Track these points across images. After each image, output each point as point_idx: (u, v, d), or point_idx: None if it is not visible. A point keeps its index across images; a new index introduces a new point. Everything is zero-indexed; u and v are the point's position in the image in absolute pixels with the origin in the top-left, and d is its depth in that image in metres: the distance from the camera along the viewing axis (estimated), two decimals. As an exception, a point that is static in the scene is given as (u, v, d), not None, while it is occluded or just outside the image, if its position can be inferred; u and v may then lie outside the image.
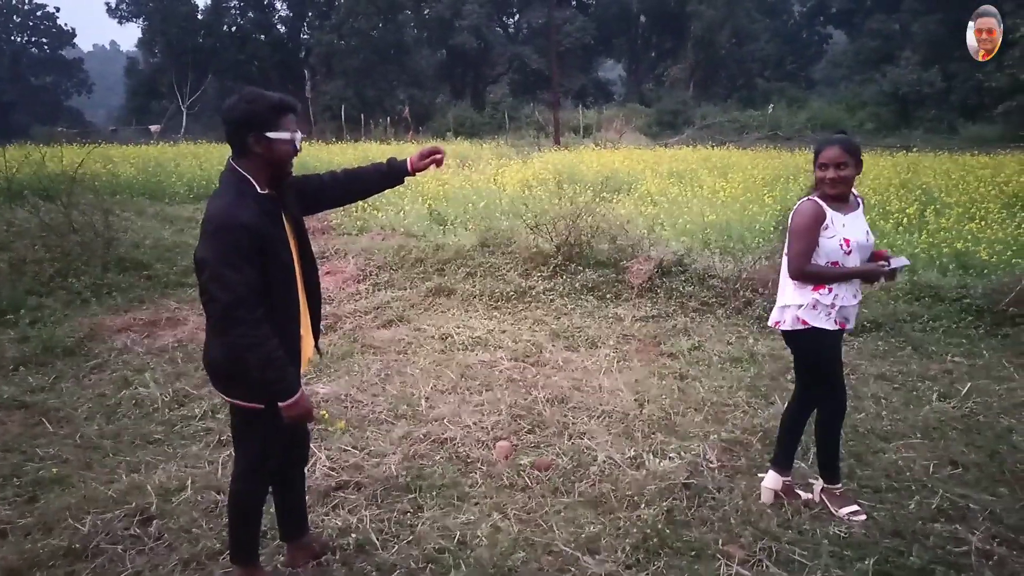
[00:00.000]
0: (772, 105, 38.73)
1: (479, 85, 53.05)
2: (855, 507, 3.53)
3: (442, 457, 4.15)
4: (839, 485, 3.62)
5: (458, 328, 6.41)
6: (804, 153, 20.04)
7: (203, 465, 4.12)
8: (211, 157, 16.37)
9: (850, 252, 3.35)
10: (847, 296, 3.40)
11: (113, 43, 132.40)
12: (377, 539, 3.37)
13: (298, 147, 2.59)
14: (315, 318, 2.90)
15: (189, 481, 3.88)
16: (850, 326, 3.52)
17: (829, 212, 3.36)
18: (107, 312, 6.95)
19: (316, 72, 48.45)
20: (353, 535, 3.39)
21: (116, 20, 50.06)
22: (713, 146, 24.63)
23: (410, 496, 3.75)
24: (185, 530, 3.46)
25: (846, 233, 3.35)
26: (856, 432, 4.47)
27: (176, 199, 12.62)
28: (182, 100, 46.43)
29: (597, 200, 8.74)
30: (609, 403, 4.89)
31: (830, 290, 3.36)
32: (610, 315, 6.80)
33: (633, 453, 4.16)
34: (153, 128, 38.73)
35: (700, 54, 48.21)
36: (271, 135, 2.50)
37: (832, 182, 3.32)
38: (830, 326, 3.41)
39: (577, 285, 7.34)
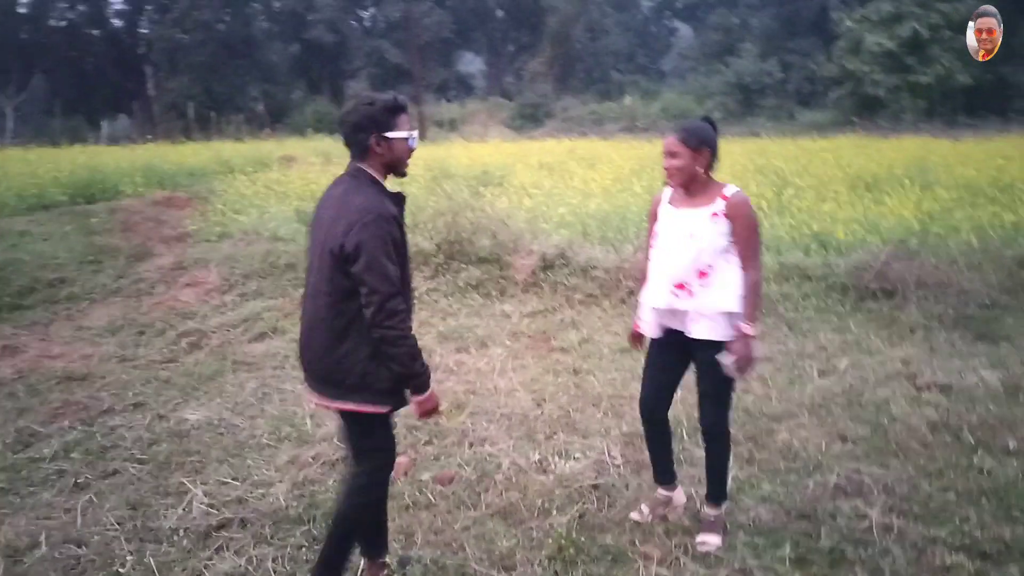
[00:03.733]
0: (628, 97, 39.98)
1: (337, 80, 51.54)
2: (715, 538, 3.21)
3: (335, 480, 3.83)
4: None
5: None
6: (659, 142, 20.70)
7: (58, 514, 3.61)
8: (44, 163, 14.87)
9: (653, 247, 3.25)
10: (648, 299, 3.27)
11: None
12: (271, 582, 3.04)
13: (414, 145, 2.69)
14: None
15: (43, 536, 3.38)
16: (652, 333, 3.30)
17: (664, 202, 3.25)
18: (-72, 344, 6.09)
19: (159, 68, 45.44)
20: (243, 580, 3.06)
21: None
22: (576, 138, 25.05)
23: (303, 528, 3.43)
24: (41, 595, 3.00)
25: (660, 226, 3.21)
26: (748, 414, 4.54)
27: (4, 211, 11.33)
28: (6, 102, 42.28)
29: (474, 195, 8.54)
30: (507, 405, 4.73)
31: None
32: (497, 312, 6.66)
33: (538, 457, 4.02)
34: (-27, 133, 34.99)
35: (557, 48, 49.05)
36: (390, 135, 2.59)
37: (666, 172, 3.12)
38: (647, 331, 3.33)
39: (461, 283, 7.15)
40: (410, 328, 2.58)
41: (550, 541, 3.19)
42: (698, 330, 3.08)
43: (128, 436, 4.46)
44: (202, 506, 3.62)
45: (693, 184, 3.10)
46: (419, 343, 2.64)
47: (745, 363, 3.03)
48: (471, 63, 69.37)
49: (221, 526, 3.46)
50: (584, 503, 3.53)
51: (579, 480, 3.74)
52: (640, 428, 4.24)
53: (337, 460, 4.03)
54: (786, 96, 36.99)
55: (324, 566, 2.79)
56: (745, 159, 13.95)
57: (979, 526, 3.24)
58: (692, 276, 3.05)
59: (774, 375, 5.19)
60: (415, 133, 2.70)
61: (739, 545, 3.16)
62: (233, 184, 12.53)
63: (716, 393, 3.21)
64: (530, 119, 40.18)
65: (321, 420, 4.58)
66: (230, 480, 3.88)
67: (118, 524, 3.49)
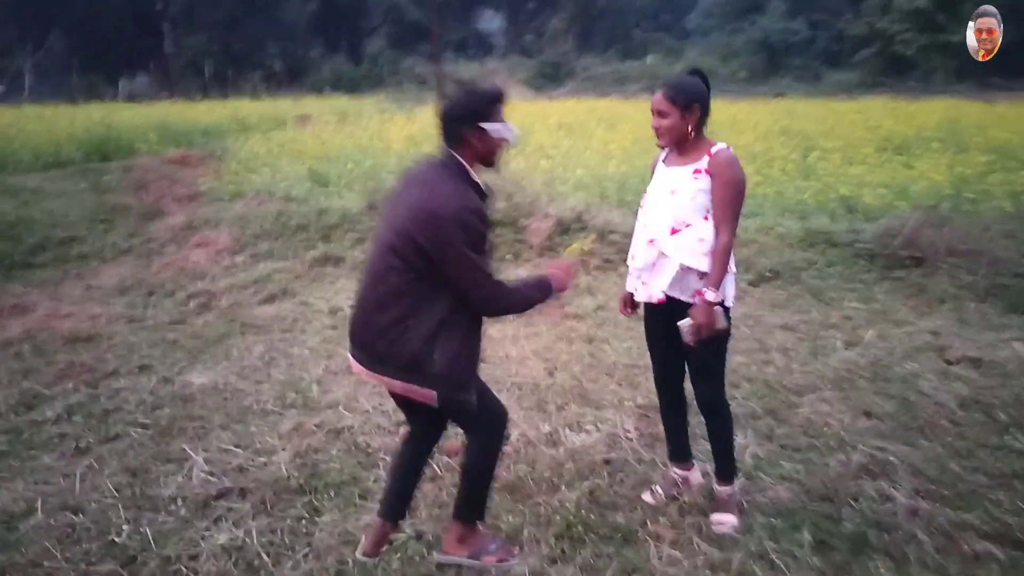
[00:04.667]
0: (650, 56, 39.17)
1: (355, 37, 50.97)
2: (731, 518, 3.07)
3: (339, 450, 3.73)
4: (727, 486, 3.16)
5: (349, 300, 5.91)
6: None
7: (56, 480, 3.53)
8: (60, 120, 14.80)
9: (643, 206, 3.07)
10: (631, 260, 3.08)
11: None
12: (268, 555, 2.94)
13: (510, 137, 2.60)
14: None
15: (39, 501, 3.31)
16: (639, 297, 3.08)
17: (659, 161, 3.08)
18: (-64, 302, 6.04)
19: (177, 25, 45.06)
20: (240, 552, 2.96)
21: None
22: (597, 98, 24.58)
23: (304, 499, 3.33)
24: (35, 564, 2.92)
25: (650, 185, 3.06)
26: (769, 387, 4.38)
27: (20, 168, 11.28)
28: (24, 59, 42.17)
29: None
30: (519, 373, 4.59)
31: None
32: (511, 277, 6.47)
33: (548, 428, 3.89)
34: (-7, 89, 35.00)
35: (578, 5, 48.07)
36: (486, 126, 2.52)
37: (655, 132, 2.90)
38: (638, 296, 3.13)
39: (473, 246, 6.96)
40: (509, 290, 2.60)
41: (558, 518, 3.07)
42: (665, 285, 2.91)
43: (132, 400, 4.38)
44: (202, 474, 3.53)
45: (684, 143, 2.91)
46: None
47: (701, 330, 2.82)
48: (491, 21, 68.24)
49: (220, 495, 3.37)
50: (595, 479, 3.40)
51: (590, 454, 3.60)
52: (654, 400, 4.13)
53: (343, 429, 3.93)
54: (813, 55, 36.06)
55: (476, 503, 2.86)
56: (770, 120, 13.58)
57: (1012, 511, 3.07)
58: (664, 232, 2.89)
59: (796, 346, 5.01)
60: (512, 125, 2.60)
61: (756, 527, 3.01)
62: (247, 143, 12.39)
63: (704, 366, 3.03)
64: (550, 78, 39.51)
65: (328, 386, 4.48)
66: (232, 447, 3.78)
67: (116, 491, 3.42)
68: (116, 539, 3.06)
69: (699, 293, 2.83)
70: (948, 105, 15.87)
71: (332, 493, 3.36)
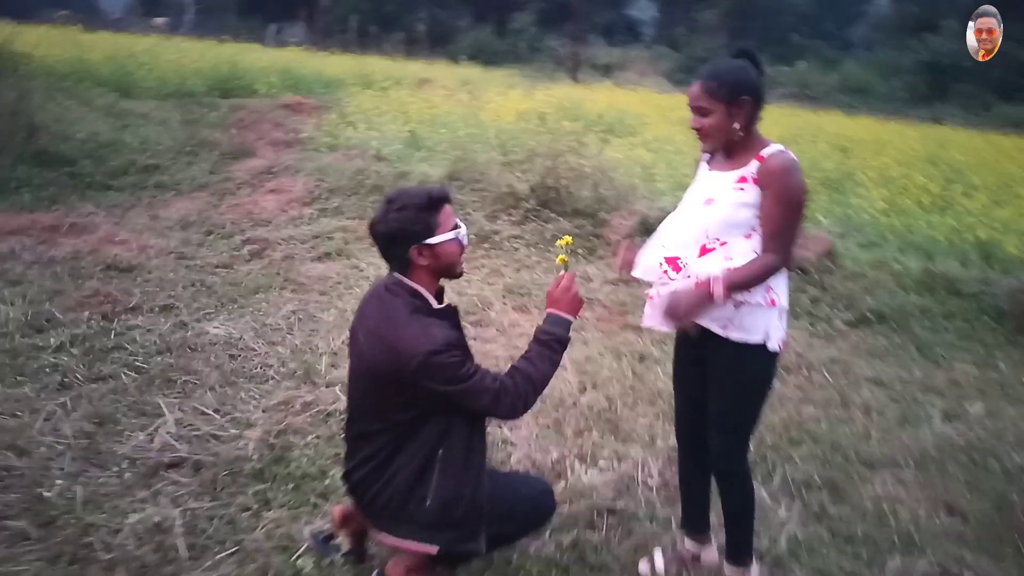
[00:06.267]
0: (800, 62, 36.99)
1: (504, 11, 50.82)
2: None
3: (320, 436, 3.33)
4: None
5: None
6: (829, 115, 18.85)
7: (23, 413, 3.30)
8: (194, 54, 15.19)
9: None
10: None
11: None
12: (191, 547, 2.58)
13: (465, 242, 2.26)
14: None
15: (-7, 435, 3.08)
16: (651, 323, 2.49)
17: (702, 164, 2.48)
18: (9, 210, 6.09)
19: (336, -22, 46.29)
20: (163, 536, 2.61)
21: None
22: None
23: (259, 486, 2.95)
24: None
25: (688, 191, 2.45)
26: (836, 451, 3.66)
27: (142, 93, 11.57)
28: (190, -4, 44.56)
29: (586, 139, 7.72)
30: (550, 382, 4.05)
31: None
32: (578, 274, 5.93)
33: (557, 456, 3.35)
34: (157, 21, 37.07)
35: (735, 1, 45.99)
36: (433, 241, 2.14)
37: (696, 133, 2.31)
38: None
39: (548, 235, 6.44)
40: (525, 386, 2.19)
41: (522, 574, 2.54)
42: (701, 319, 2.31)
43: (139, 340, 4.15)
44: (167, 436, 3.22)
45: (731, 145, 2.30)
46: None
47: (673, 313, 2.22)
48: (644, 9, 66.62)
49: (173, 465, 3.04)
50: (588, 530, 2.84)
51: (594, 497, 3.04)
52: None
53: (333, 412, 3.53)
54: (985, 84, 32.88)
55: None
56: (918, 145, 12.26)
57: None
58: (691, 250, 2.28)
59: (884, 407, 4.22)
60: (463, 228, 2.24)
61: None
62: (358, 97, 12.26)
63: (725, 415, 2.43)
64: (692, 73, 37.90)
65: (338, 361, 4.09)
66: (210, 411, 3.45)
67: (74, 437, 3.15)
68: (45, 494, 2.78)
69: (705, 281, 2.21)
70: None
71: (291, 486, 2.97)
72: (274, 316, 4.68)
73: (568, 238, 2.45)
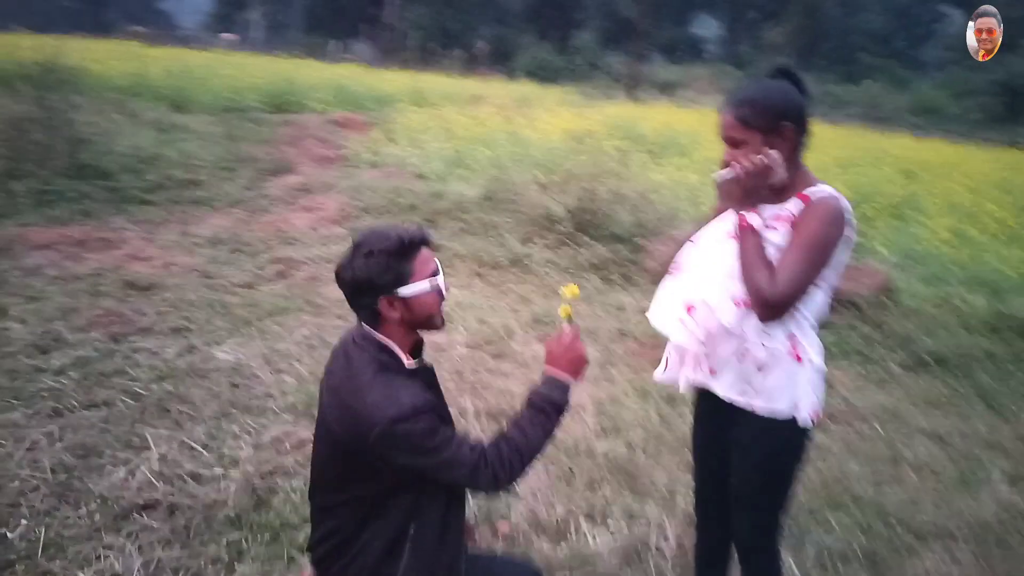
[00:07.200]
0: (867, 81, 35.90)
1: (565, 29, 50.85)
2: None
3: (308, 480, 3.10)
4: None
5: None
6: (896, 137, 18.08)
7: (6, 441, 3.17)
8: (252, 69, 15.44)
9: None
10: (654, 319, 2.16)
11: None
12: (145, 605, 2.37)
13: (444, 292, 1.91)
14: None
15: (-26, 463, 2.95)
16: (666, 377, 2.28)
17: None
18: (42, 222, 6.11)
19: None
20: (120, 591, 2.41)
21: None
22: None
23: (234, 535, 2.73)
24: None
25: (712, 222, 2.15)
26: (882, 517, 3.26)
27: (195, 107, 11.73)
28: (263, 10, 45.77)
29: (630, 160, 7.42)
30: (563, 427, 3.75)
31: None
32: (612, 303, 5.62)
33: (562, 511, 3.05)
34: (225, 37, 38.16)
35: (804, 19, 45.02)
36: (405, 292, 1.83)
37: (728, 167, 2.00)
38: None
39: (583, 260, 6.16)
40: (512, 458, 1.87)
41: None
42: (719, 384, 2.05)
43: (143, 364, 4.01)
44: (147, 474, 3.03)
45: (759, 187, 1.98)
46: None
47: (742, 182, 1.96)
48: (709, 27, 65.89)
49: (147, 507, 2.85)
50: (586, 604, 2.54)
51: (597, 564, 2.74)
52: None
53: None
54: (1068, 105, 31.40)
55: None
56: (990, 169, 11.58)
57: None
58: (708, 292, 1.99)
59: (941, 465, 3.79)
60: (440, 276, 1.90)
61: None
62: (406, 114, 12.20)
63: (750, 497, 2.11)
64: (754, 93, 37.24)
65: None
66: (199, 447, 3.27)
67: (52, 471, 3.00)
68: (8, 535, 2.62)
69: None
70: None
71: (267, 536, 2.74)
72: (286, 341, 4.51)
73: (574, 287, 2.08)
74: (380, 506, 1.89)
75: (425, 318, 1.91)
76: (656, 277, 5.96)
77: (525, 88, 23.27)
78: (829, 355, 4.93)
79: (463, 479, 1.85)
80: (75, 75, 8.35)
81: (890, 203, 8.82)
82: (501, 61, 40.39)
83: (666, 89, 35.37)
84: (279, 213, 6.99)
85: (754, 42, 50.62)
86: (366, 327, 1.93)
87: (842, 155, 11.93)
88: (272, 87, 13.83)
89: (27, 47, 9.10)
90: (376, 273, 1.84)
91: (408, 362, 1.93)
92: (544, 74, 36.34)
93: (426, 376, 1.99)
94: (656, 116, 15.71)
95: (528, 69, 36.77)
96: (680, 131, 13.08)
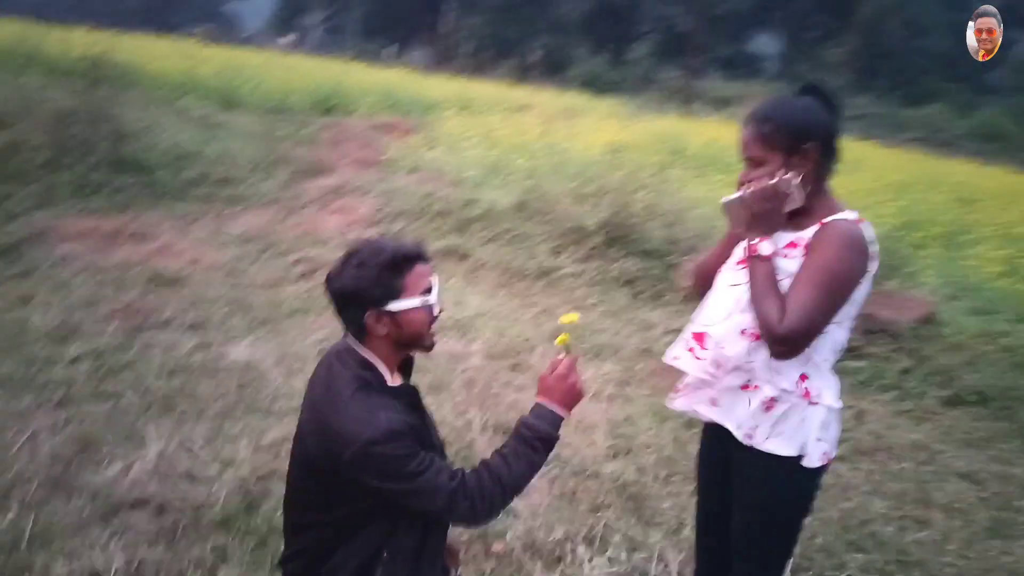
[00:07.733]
0: (935, 105, 34.90)
1: (622, 41, 50.64)
2: None
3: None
4: None
5: (446, 299, 5.27)
6: (958, 163, 17.47)
7: (12, 429, 3.19)
8: (302, 71, 15.64)
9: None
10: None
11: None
12: (120, 607, 2.32)
13: (436, 310, 1.82)
14: None
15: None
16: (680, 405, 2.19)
17: None
18: (77, 213, 6.21)
19: (458, 5, 47.39)
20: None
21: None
22: (857, 139, 22.07)
23: (220, 539, 2.68)
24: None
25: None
26: (905, 564, 3.06)
27: (244, 107, 11.88)
28: (324, 13, 46.55)
29: (669, 174, 7.25)
30: (571, 445, 3.63)
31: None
32: (638, 319, 5.47)
33: (560, 536, 2.93)
34: (284, 39, 38.90)
35: (866, 39, 44.04)
36: (394, 307, 1.73)
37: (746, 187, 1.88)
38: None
39: (613, 274, 6.02)
40: (493, 488, 1.77)
41: None
42: (725, 418, 1.93)
43: (155, 359, 4.02)
44: (142, 470, 3.01)
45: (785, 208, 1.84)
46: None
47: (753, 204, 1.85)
48: (766, 44, 64.98)
49: (136, 505, 2.82)
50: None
51: (590, 594, 2.61)
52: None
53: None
54: None
55: None
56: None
57: None
58: (719, 323, 1.89)
59: (974, 510, 3.55)
60: (434, 295, 1.79)
61: None
62: (450, 120, 12.20)
63: (750, 542, 1.97)
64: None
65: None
66: (196, 446, 3.24)
67: (51, 462, 2.99)
68: (-4, 526, 2.60)
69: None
70: None
71: (251, 543, 2.68)
72: (301, 343, 4.48)
73: (573, 315, 1.94)
74: (353, 528, 1.79)
75: (413, 336, 1.82)
76: (688, 296, 5.81)
77: (575, 99, 23.14)
78: (861, 386, 4.74)
79: (438, 508, 1.74)
80: (125, 71, 8.53)
81: (943, 231, 8.45)
82: (555, 71, 40.30)
83: (720, 105, 34.89)
84: (311, 214, 7.01)
85: (813, 61, 49.66)
86: (352, 341, 1.85)
87: (897, 179, 11.55)
88: (320, 89, 13.95)
89: (80, 43, 9.33)
90: (365, 285, 1.75)
91: (391, 380, 1.84)
92: (598, 85, 36.14)
93: (410, 396, 1.88)
94: (704, 131, 15.42)
95: (582, 80, 36.62)
96: (726, 147, 12.79)
